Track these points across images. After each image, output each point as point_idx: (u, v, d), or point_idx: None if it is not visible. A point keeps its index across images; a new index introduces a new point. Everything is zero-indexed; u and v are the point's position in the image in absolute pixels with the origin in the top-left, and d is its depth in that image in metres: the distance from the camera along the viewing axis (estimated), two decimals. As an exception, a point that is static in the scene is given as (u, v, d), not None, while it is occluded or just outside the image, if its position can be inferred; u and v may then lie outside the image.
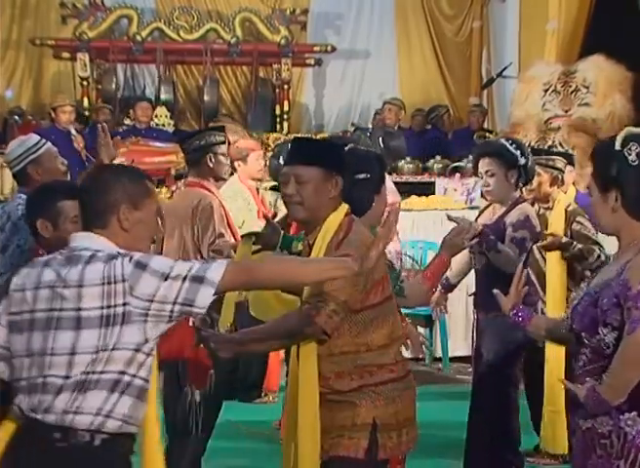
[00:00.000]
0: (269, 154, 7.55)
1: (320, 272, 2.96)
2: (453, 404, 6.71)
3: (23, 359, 2.78)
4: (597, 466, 2.90)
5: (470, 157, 9.80)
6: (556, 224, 5.65)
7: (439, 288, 5.42)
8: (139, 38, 11.71)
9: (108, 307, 2.73)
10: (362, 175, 3.78)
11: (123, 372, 2.76)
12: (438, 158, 10.26)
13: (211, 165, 5.27)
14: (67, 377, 2.71)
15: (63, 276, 2.76)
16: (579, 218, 5.63)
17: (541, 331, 3.24)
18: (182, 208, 5.24)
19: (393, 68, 13.05)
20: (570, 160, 5.84)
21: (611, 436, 2.87)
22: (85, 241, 2.86)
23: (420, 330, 8.14)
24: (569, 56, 9.39)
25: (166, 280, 2.74)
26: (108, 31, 11.82)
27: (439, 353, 8.04)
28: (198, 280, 2.75)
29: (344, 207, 3.47)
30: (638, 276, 2.81)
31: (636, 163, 2.86)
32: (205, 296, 2.76)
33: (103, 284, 2.73)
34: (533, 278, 5.46)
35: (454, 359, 8.03)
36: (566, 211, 5.66)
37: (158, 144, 9.75)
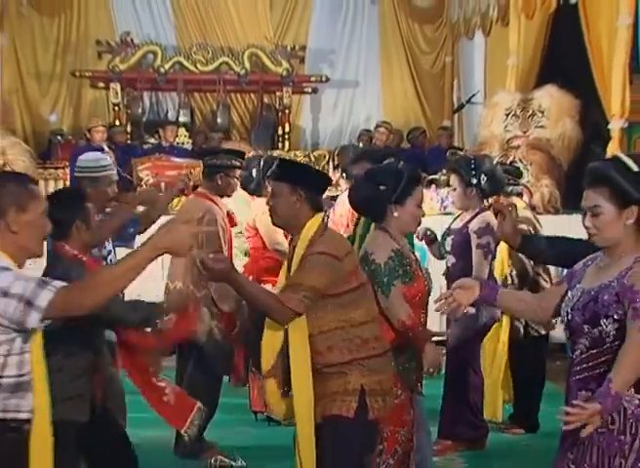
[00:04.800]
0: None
1: (125, 273, 2.61)
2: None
3: None
4: (597, 441, 2.79)
5: (444, 170, 9.96)
6: None
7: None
8: (162, 70, 11.77)
9: None
10: (381, 187, 3.84)
11: None
12: (416, 172, 10.28)
13: (220, 182, 5.13)
14: None
15: None
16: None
17: None
18: (189, 217, 5.01)
19: (378, 96, 13.10)
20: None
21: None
22: None
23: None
24: (526, 85, 9.44)
25: (5, 296, 2.59)
26: (137, 64, 11.88)
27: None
28: (28, 303, 2.57)
29: (320, 215, 3.55)
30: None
31: None
32: (33, 319, 2.58)
33: None
34: None
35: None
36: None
37: (177, 160, 9.81)
